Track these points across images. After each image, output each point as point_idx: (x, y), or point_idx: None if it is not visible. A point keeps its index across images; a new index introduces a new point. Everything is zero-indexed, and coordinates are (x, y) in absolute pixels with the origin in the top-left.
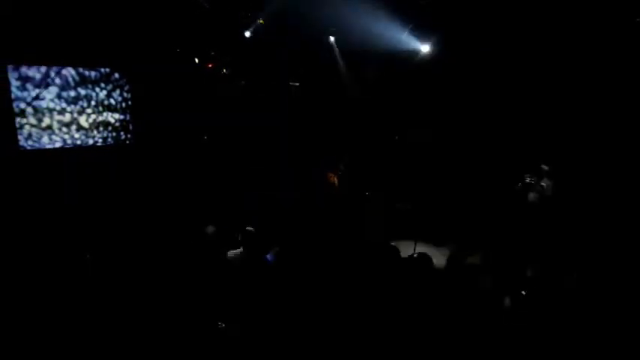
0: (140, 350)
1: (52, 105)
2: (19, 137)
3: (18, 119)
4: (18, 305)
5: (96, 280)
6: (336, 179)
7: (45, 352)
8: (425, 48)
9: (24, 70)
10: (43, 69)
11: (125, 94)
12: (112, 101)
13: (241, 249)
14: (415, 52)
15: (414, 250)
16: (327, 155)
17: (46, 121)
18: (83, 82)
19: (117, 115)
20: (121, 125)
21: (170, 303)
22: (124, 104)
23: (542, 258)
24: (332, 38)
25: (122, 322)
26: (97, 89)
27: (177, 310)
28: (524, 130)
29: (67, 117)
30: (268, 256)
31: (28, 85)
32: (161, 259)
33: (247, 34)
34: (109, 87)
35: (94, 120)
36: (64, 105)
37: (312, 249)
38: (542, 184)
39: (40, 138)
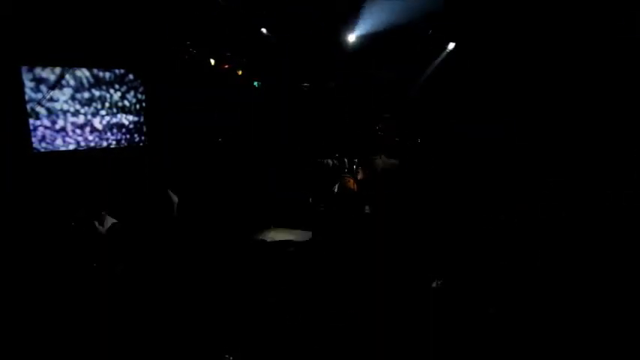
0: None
1: (65, 107)
2: (33, 139)
3: (32, 121)
4: (27, 310)
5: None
6: (354, 184)
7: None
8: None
9: (38, 71)
10: (58, 70)
11: (139, 96)
12: (127, 103)
13: None
14: None
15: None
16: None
17: (60, 122)
18: (97, 83)
19: (131, 117)
20: (135, 127)
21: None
22: (138, 106)
23: None
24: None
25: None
26: (112, 90)
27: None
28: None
29: (81, 119)
30: None
31: (42, 87)
32: (174, 264)
33: None
34: (124, 88)
35: (108, 122)
36: (77, 107)
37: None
38: None
39: (53, 140)
